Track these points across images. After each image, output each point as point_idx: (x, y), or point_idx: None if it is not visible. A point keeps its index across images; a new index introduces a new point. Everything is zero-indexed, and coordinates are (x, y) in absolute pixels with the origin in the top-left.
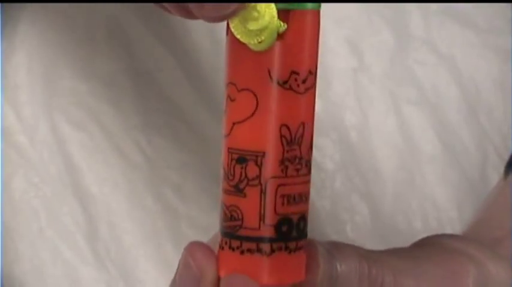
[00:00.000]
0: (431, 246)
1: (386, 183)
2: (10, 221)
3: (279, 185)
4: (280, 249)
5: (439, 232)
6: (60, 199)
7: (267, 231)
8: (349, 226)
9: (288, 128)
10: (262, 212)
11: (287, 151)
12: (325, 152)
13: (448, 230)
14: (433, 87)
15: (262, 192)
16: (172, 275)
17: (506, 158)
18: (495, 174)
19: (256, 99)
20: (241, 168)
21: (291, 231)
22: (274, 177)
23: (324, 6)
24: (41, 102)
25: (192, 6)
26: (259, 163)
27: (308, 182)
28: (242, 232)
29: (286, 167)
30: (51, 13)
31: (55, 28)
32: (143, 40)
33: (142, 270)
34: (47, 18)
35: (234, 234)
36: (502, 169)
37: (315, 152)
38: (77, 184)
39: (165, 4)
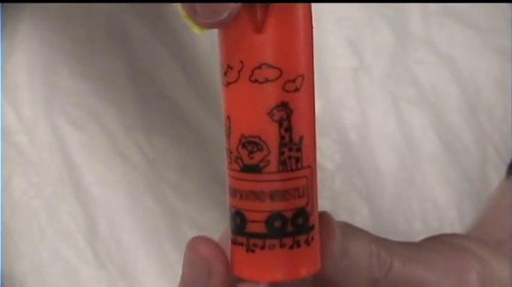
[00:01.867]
0: (435, 241)
1: (386, 183)
2: (10, 220)
3: (227, 173)
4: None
5: (439, 232)
6: (60, 198)
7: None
8: None
9: (224, 117)
10: None
11: (226, 140)
12: (325, 152)
13: (448, 230)
14: (433, 87)
15: None
16: (172, 275)
17: (507, 157)
18: (495, 174)
19: None
20: None
21: (234, 221)
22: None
23: (324, 6)
24: (41, 102)
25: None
26: None
27: (242, 180)
28: None
29: (227, 156)
30: (51, 13)
31: (55, 28)
32: (143, 40)
33: (142, 270)
34: (46, 18)
35: None
36: (502, 169)
37: None
38: (77, 184)
39: None
